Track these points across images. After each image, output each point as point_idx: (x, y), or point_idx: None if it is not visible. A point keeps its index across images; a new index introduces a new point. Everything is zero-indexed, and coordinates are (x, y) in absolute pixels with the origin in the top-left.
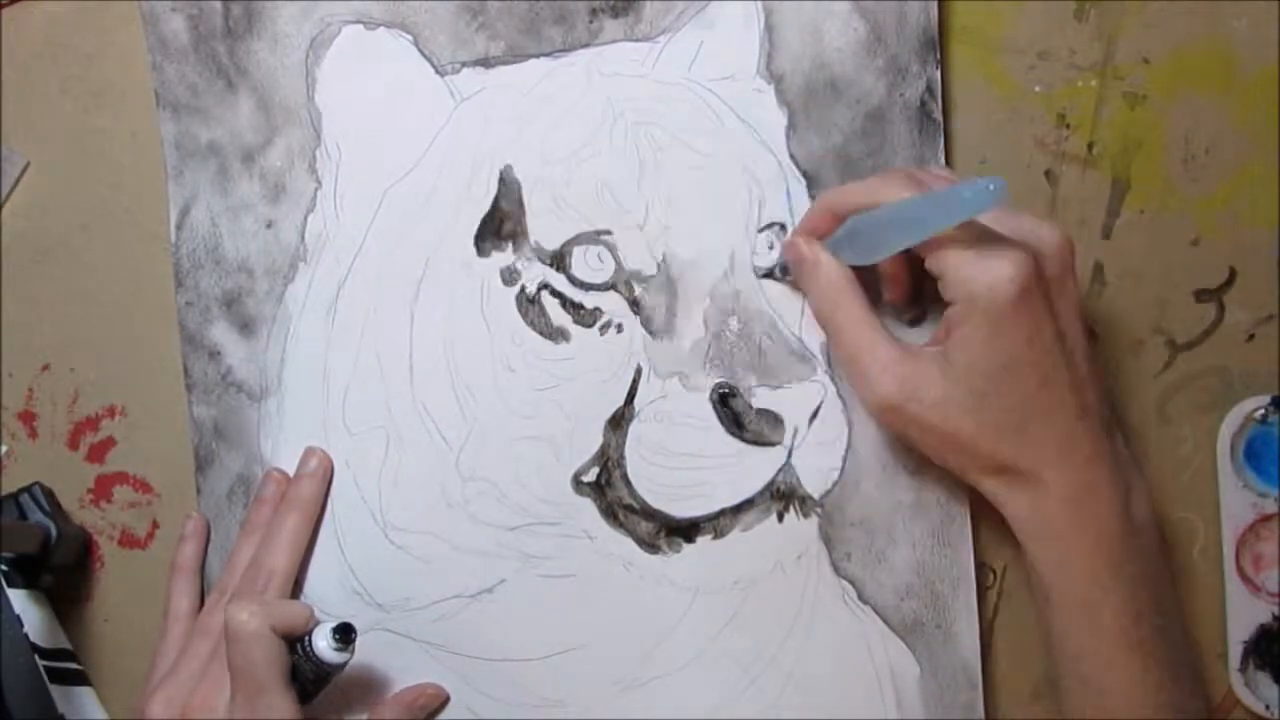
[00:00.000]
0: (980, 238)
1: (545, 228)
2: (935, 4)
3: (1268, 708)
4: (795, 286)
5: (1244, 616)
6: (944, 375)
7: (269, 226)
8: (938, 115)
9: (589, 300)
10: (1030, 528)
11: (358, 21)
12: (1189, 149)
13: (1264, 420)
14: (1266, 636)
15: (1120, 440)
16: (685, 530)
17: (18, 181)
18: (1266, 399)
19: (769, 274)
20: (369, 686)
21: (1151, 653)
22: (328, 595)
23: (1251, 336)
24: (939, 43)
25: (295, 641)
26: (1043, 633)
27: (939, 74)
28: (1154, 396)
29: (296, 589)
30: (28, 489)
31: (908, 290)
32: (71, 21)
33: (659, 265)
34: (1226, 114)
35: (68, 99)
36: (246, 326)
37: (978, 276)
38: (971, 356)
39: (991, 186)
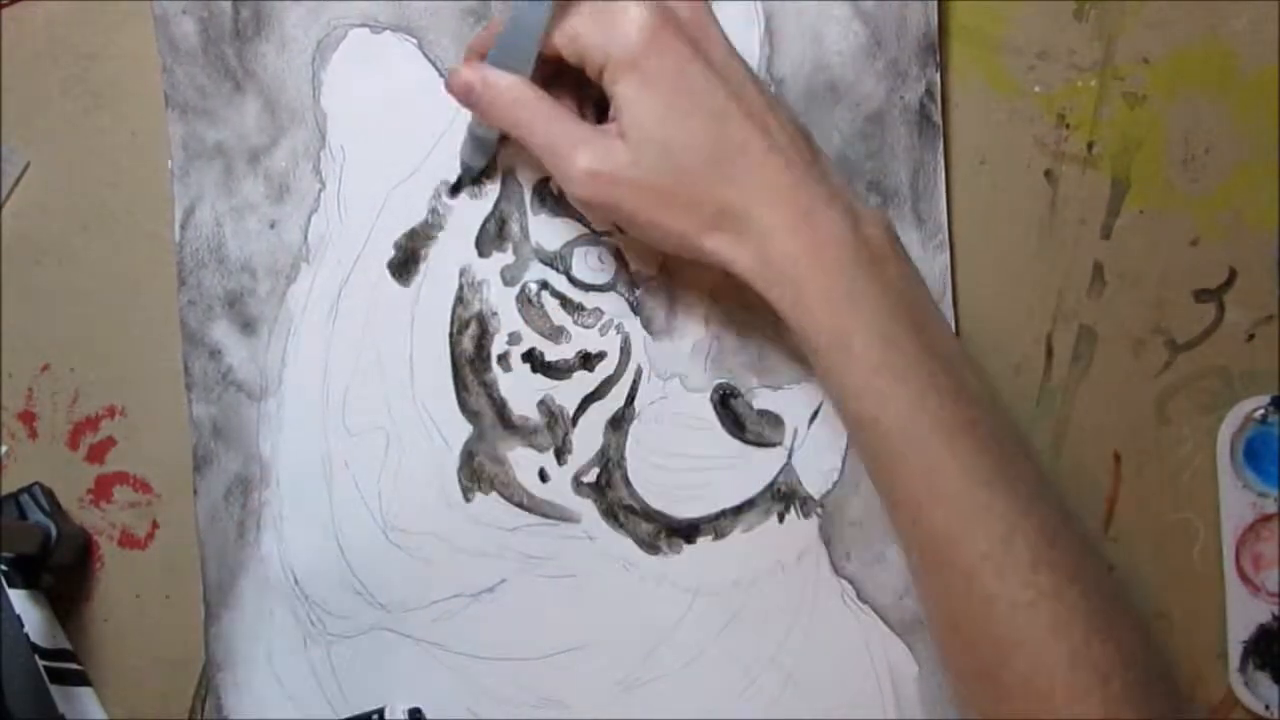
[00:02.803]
0: (594, 8)
1: (546, 229)
2: (935, 8)
3: (1267, 708)
4: (478, 163)
5: (1244, 616)
6: (627, 140)
7: (272, 227)
8: (937, 119)
9: (589, 301)
10: (762, 276)
11: (364, 25)
12: (1189, 149)
13: (1264, 420)
14: (1266, 636)
15: (839, 176)
16: (685, 531)
17: (18, 181)
18: (1266, 399)
19: (454, 190)
20: (368, 686)
21: (916, 375)
22: (328, 595)
23: (1251, 336)
24: (939, 46)
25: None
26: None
27: (939, 77)
28: (1154, 396)
29: (299, 587)
30: (28, 489)
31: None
32: (72, 21)
33: (659, 266)
34: (1226, 114)
35: (68, 99)
36: (248, 326)
37: (606, 38)
38: (636, 113)
39: None
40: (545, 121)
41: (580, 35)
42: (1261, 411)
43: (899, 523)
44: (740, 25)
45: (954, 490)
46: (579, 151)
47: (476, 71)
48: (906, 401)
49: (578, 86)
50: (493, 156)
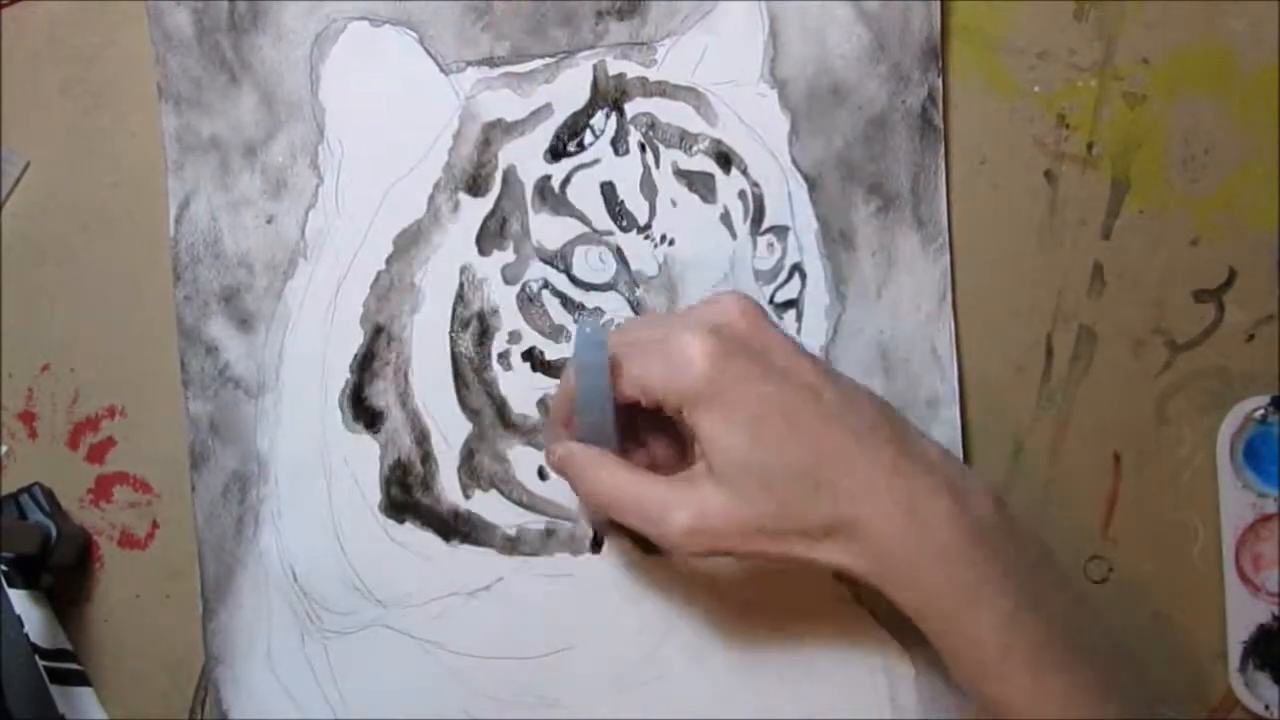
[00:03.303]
0: (648, 349)
1: (547, 228)
2: (938, 13)
3: (1267, 708)
4: (600, 522)
5: (1244, 616)
6: (715, 480)
7: (269, 222)
8: (939, 122)
9: (590, 300)
10: (881, 578)
11: (363, 18)
12: (1189, 149)
13: (1264, 420)
14: (1266, 636)
15: (933, 445)
16: None
17: (18, 181)
18: (1266, 399)
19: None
20: (366, 685)
21: (1034, 655)
22: (326, 592)
23: (1251, 336)
24: (941, 51)
25: None
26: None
27: (940, 82)
28: (1154, 397)
29: (297, 583)
30: (28, 489)
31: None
32: (71, 21)
33: (660, 266)
34: (1226, 114)
35: (68, 99)
36: (245, 322)
37: (674, 378)
38: (719, 448)
39: (588, 330)
40: (633, 491)
41: (648, 380)
42: (1261, 411)
43: None
44: (744, 27)
45: None
46: (674, 513)
47: (563, 447)
48: (1032, 687)
49: (663, 420)
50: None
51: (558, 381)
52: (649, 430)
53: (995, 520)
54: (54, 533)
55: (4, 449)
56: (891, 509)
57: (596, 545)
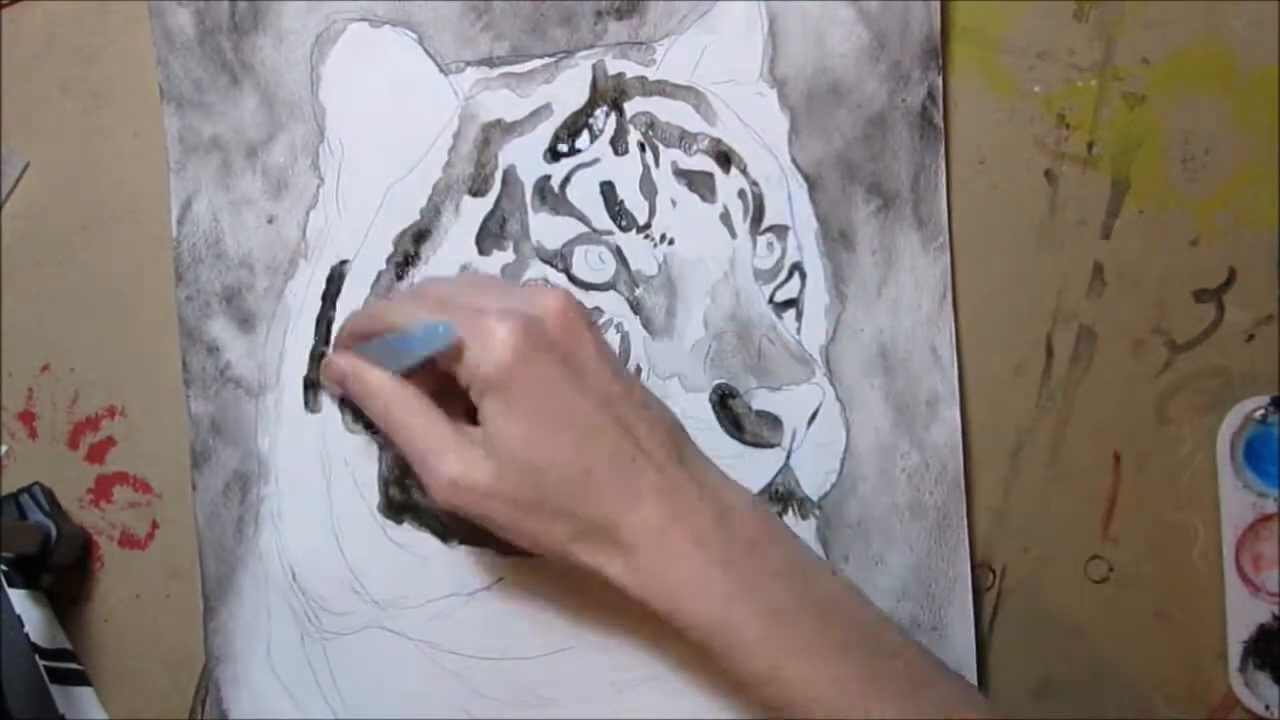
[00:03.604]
0: (470, 326)
1: (547, 228)
2: (938, 11)
3: (1267, 708)
4: (368, 427)
5: (1244, 616)
6: (490, 446)
7: (270, 222)
8: (939, 121)
9: (589, 300)
10: (636, 584)
11: (363, 19)
12: (1189, 149)
13: (1264, 420)
14: (1266, 636)
15: (713, 470)
16: None
17: (18, 181)
18: (1266, 399)
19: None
20: (366, 685)
21: (802, 648)
22: (325, 592)
23: (1251, 336)
24: (941, 49)
25: None
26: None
27: (940, 81)
28: (1154, 397)
29: (296, 583)
30: (28, 489)
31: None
32: (71, 21)
33: (660, 266)
34: (1226, 114)
35: (68, 99)
36: (246, 322)
37: (475, 356)
38: (501, 433)
39: (441, 329)
40: (414, 423)
41: (458, 357)
42: (1261, 411)
43: None
44: (743, 27)
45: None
46: (444, 460)
47: (349, 362)
48: (807, 677)
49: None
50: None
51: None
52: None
53: (759, 530)
54: (54, 533)
55: (4, 449)
56: (655, 516)
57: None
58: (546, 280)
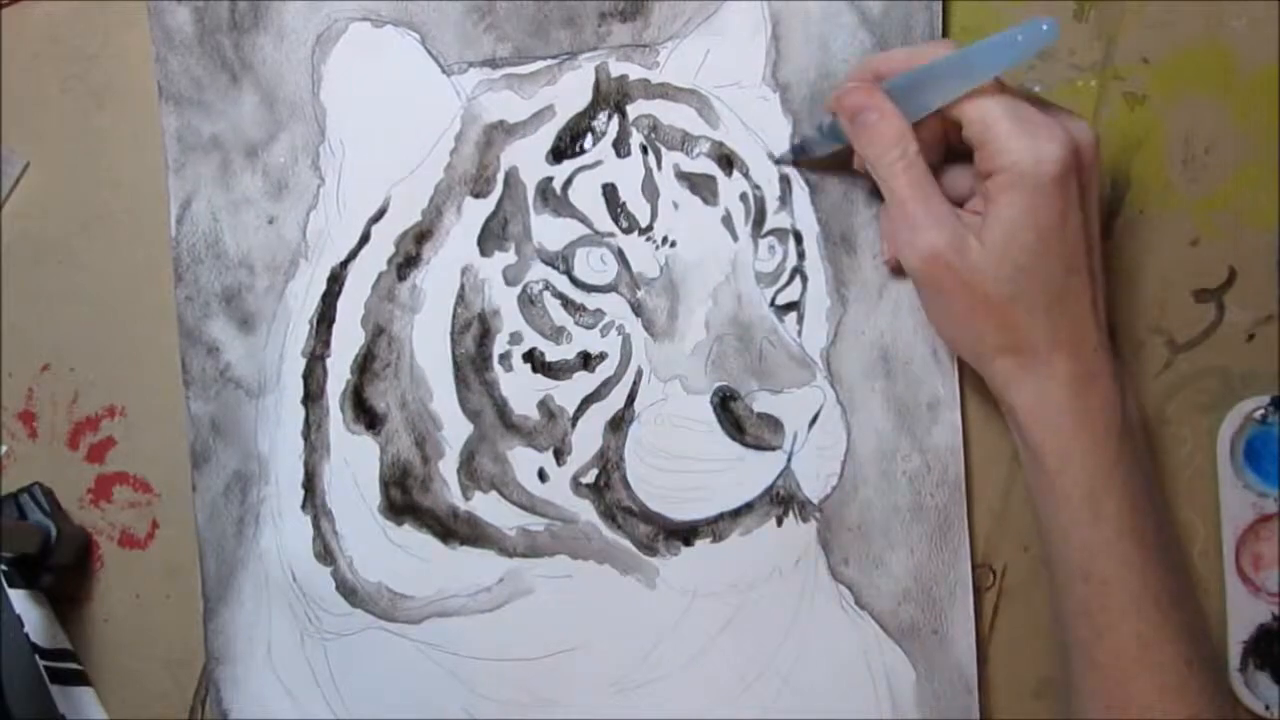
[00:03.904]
0: (1024, 114)
1: (549, 229)
2: (939, 15)
3: (1268, 708)
4: (811, 165)
5: (1244, 616)
6: (985, 246)
7: (270, 222)
8: None
9: (591, 302)
10: (1036, 416)
11: (365, 19)
12: (1189, 149)
13: (1264, 420)
14: (1266, 636)
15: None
16: (684, 533)
17: (18, 181)
18: (1266, 399)
19: (791, 158)
20: (366, 686)
21: (1152, 543)
22: (325, 593)
23: (1251, 336)
24: None
25: None
26: (1042, 531)
27: None
28: (1154, 396)
29: (297, 584)
30: (28, 489)
31: (935, 159)
32: (71, 21)
33: (661, 268)
34: (1226, 114)
35: (68, 99)
36: (246, 322)
37: (1024, 150)
38: (1011, 228)
39: (1045, 26)
40: (915, 183)
41: (996, 129)
42: (1261, 411)
43: (1093, 678)
44: (747, 31)
45: (1160, 662)
46: (935, 229)
47: (874, 99)
48: (1143, 576)
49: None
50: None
51: (558, 384)
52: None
53: (1139, 418)
54: (54, 533)
55: (4, 449)
56: (1080, 366)
57: (795, 155)
58: (548, 283)
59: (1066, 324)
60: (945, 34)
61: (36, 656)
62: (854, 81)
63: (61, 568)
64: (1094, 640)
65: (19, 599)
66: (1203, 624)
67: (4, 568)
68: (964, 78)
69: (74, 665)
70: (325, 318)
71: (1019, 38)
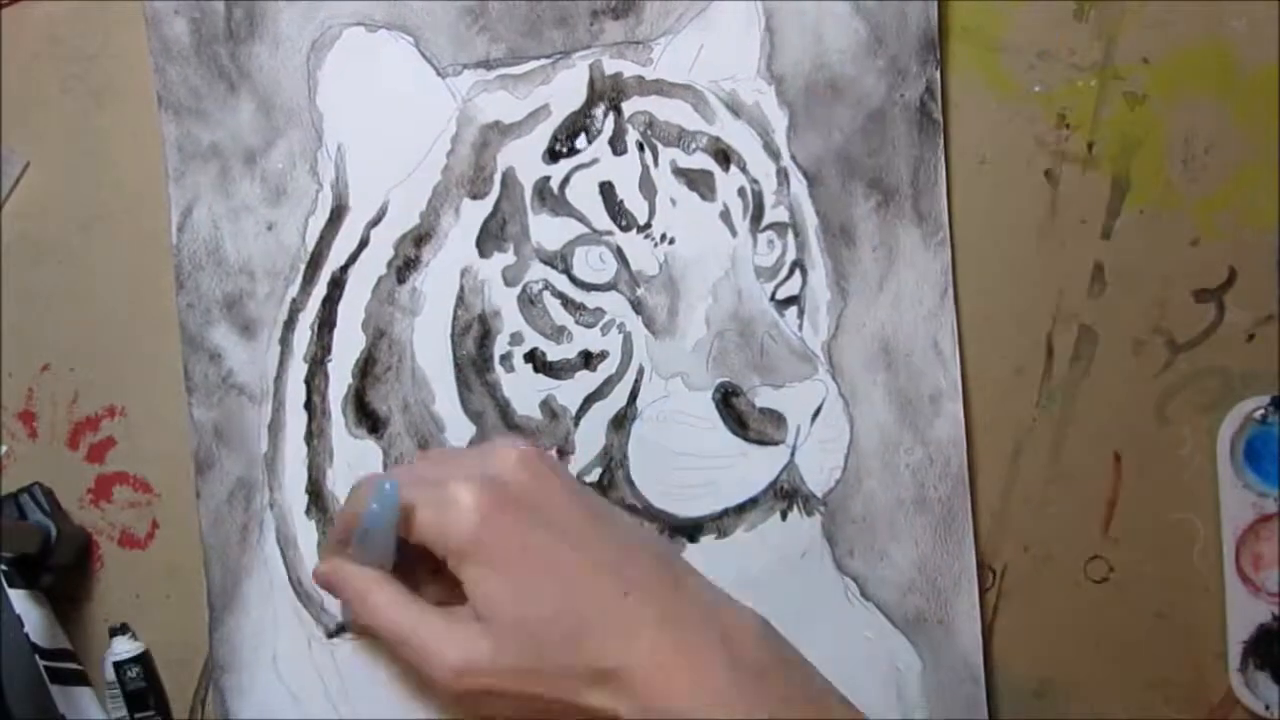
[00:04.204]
0: (429, 497)
1: (547, 229)
2: (935, 5)
3: (1267, 708)
4: (361, 631)
5: (1244, 616)
6: (483, 624)
7: (270, 228)
8: (938, 115)
9: (591, 300)
10: (650, 715)
11: (359, 24)
12: (1189, 149)
13: (1264, 420)
14: (1266, 636)
15: (708, 587)
16: (689, 530)
17: (18, 181)
18: (1266, 399)
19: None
20: (372, 688)
21: None
22: (328, 595)
23: (1251, 336)
24: (939, 43)
25: None
26: None
27: (939, 74)
28: (1154, 396)
29: (303, 590)
30: (28, 489)
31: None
32: (71, 21)
33: (661, 265)
34: (1226, 114)
35: (68, 99)
36: (247, 328)
37: (444, 527)
38: (486, 596)
39: (387, 487)
40: (403, 617)
41: (421, 526)
42: (1261, 411)
43: None
44: (740, 24)
45: None
46: (443, 648)
47: (333, 568)
48: None
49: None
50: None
51: (560, 383)
52: (422, 560)
53: (762, 652)
54: (54, 533)
55: (4, 449)
56: (656, 652)
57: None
58: (547, 282)
59: (614, 628)
60: (941, 30)
61: (36, 656)
62: (322, 557)
63: (61, 568)
64: None
65: (19, 599)
66: None
67: (4, 568)
68: (366, 527)
69: (74, 665)
70: (326, 322)
71: (374, 505)
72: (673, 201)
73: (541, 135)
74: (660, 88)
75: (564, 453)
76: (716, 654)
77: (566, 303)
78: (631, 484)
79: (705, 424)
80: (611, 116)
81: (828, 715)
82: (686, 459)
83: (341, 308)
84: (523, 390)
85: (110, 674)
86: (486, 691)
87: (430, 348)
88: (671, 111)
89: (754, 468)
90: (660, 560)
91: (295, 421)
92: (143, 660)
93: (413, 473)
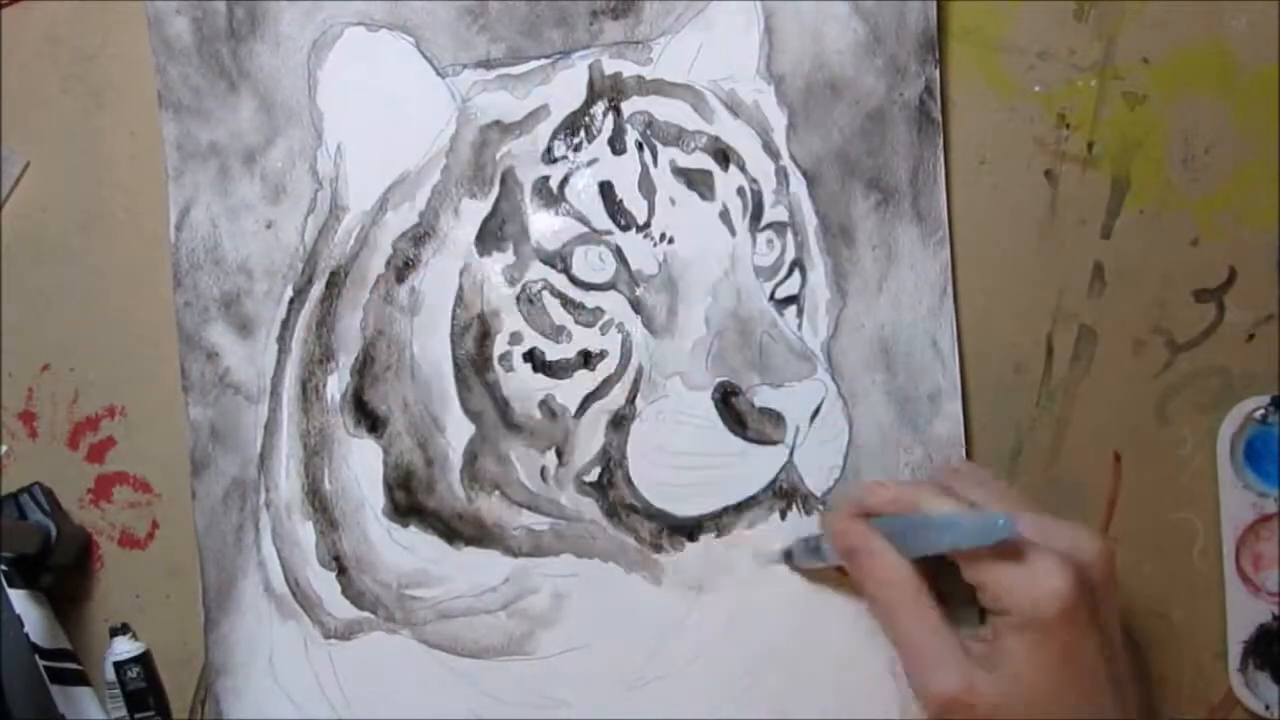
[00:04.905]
0: (1021, 548)
1: (546, 228)
2: (934, 5)
3: (1267, 708)
4: (805, 571)
5: (1244, 616)
6: (997, 679)
7: (269, 227)
8: (937, 115)
9: (590, 300)
10: None
11: (359, 23)
12: (1189, 149)
13: (1264, 420)
14: (1266, 636)
15: None
16: (688, 529)
17: (18, 181)
18: (1266, 399)
19: (783, 559)
20: (370, 689)
21: None
22: (331, 596)
23: (1251, 336)
24: (938, 43)
25: None
26: None
27: (938, 74)
28: (1154, 396)
29: (300, 590)
30: (28, 489)
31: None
32: (71, 21)
33: (660, 265)
34: (1226, 114)
35: (68, 99)
36: (245, 327)
37: (1023, 591)
38: (1018, 670)
39: (1001, 523)
40: (917, 622)
41: (991, 574)
42: (1261, 411)
43: None
44: (739, 24)
45: None
46: (944, 670)
47: (865, 537)
48: None
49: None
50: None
51: (559, 383)
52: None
53: None
54: (54, 533)
55: (4, 449)
56: None
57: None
58: (547, 282)
59: None
60: (940, 29)
61: (36, 656)
62: (842, 514)
63: (61, 568)
64: None
65: (19, 599)
66: None
67: (4, 568)
68: (953, 538)
69: (74, 665)
70: (324, 322)
71: (1000, 522)
72: (672, 201)
73: (541, 135)
74: (659, 87)
75: (563, 452)
76: None
77: (566, 302)
78: (631, 483)
79: (704, 423)
80: (611, 116)
81: None
82: (685, 458)
83: (340, 307)
84: (522, 390)
85: (110, 674)
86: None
87: (429, 347)
88: (671, 111)
89: (753, 467)
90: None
91: (292, 421)
92: (143, 660)
93: (989, 497)
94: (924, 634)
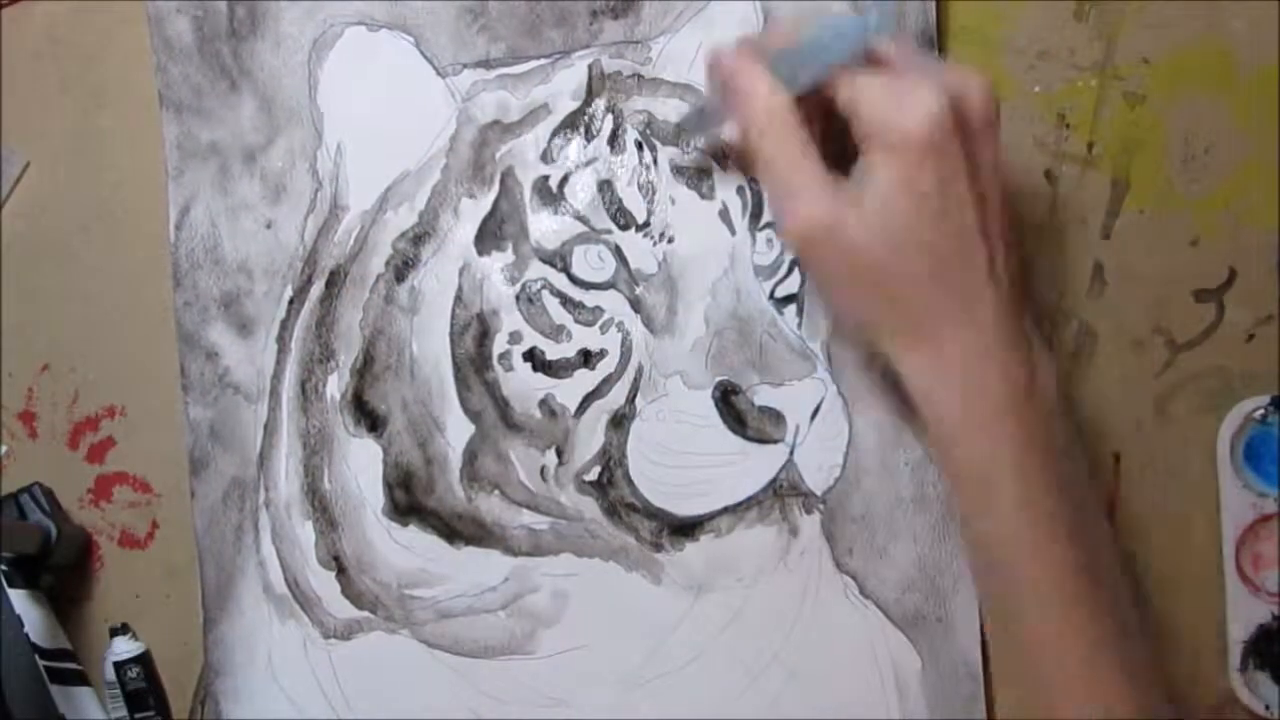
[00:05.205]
0: (895, 79)
1: (546, 227)
2: (934, 5)
3: (1268, 708)
4: (694, 136)
5: (1244, 616)
6: (864, 207)
7: (269, 227)
8: None
9: (590, 299)
10: (926, 394)
11: (360, 23)
12: (1189, 149)
13: (1264, 420)
14: (1266, 636)
15: (1030, 322)
16: (688, 528)
17: (18, 181)
18: (1266, 399)
19: (676, 136)
20: (369, 688)
21: (1062, 529)
22: (330, 596)
23: (1251, 336)
24: (937, 42)
25: None
26: (959, 524)
27: None
28: (1154, 396)
29: (299, 590)
30: (28, 489)
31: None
32: (71, 21)
33: (659, 264)
34: (1226, 114)
35: (68, 99)
36: (245, 327)
37: (890, 113)
38: (885, 196)
39: (875, 17)
40: (788, 150)
41: (862, 96)
42: (1261, 411)
43: (1014, 658)
44: (738, 23)
45: (1071, 663)
46: (809, 198)
47: (748, 69)
48: (1048, 568)
49: (824, 120)
50: (713, 133)
51: (559, 382)
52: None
53: (1052, 397)
54: (54, 533)
55: (4, 449)
56: (975, 341)
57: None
58: (546, 281)
59: (956, 295)
60: (941, 29)
61: (36, 656)
62: (730, 50)
63: (61, 568)
64: (1004, 626)
65: (19, 599)
66: (1128, 609)
67: (4, 568)
68: (827, 56)
69: (74, 665)
70: (324, 321)
71: (872, 18)
72: (671, 200)
73: (541, 135)
74: (659, 87)
75: (563, 451)
76: (1017, 376)
77: (565, 301)
78: (630, 482)
79: (704, 422)
80: (610, 116)
81: (1074, 473)
82: (685, 457)
83: (340, 307)
84: (522, 389)
85: (110, 674)
86: (822, 260)
87: (429, 347)
88: (670, 110)
89: (753, 466)
90: (1019, 269)
91: (292, 421)
92: (143, 660)
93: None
94: (791, 162)
